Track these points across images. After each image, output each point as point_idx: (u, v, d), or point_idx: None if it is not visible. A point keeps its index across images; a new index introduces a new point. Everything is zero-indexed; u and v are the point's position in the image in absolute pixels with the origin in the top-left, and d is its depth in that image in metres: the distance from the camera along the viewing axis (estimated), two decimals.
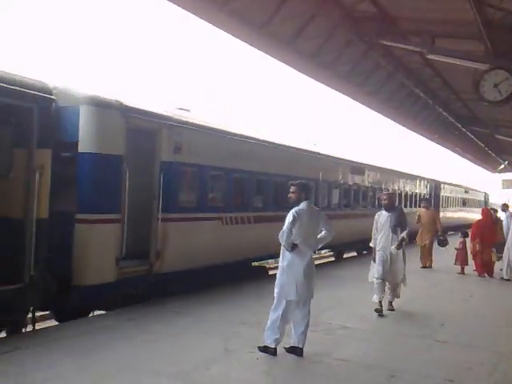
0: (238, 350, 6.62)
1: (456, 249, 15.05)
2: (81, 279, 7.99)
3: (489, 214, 15.36)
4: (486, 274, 14.35)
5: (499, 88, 9.20)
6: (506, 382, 6.35)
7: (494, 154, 29.50)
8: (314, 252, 7.14)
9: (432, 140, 24.73)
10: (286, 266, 6.53)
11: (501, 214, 16.90)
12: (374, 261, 9.30)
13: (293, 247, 6.46)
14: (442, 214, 27.95)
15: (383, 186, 20.50)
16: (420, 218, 15.77)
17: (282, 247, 6.60)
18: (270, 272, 13.28)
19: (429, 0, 8.86)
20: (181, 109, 10.83)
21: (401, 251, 9.27)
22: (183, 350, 6.56)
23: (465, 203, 37.36)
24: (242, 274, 11.84)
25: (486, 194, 47.50)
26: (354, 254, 20.34)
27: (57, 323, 8.52)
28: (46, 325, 8.65)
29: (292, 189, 6.77)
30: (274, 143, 13.35)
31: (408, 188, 24.03)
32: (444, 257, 15.65)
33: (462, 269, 14.72)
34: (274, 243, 6.85)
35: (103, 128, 8.31)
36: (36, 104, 7.00)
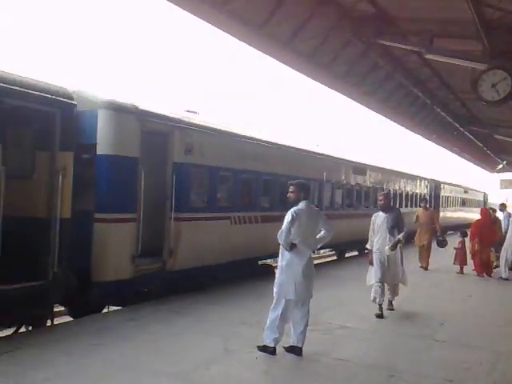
0: (238, 350, 6.63)
1: (455, 248, 15.07)
2: (100, 275, 8.34)
3: (488, 213, 15.39)
4: (484, 274, 14.37)
5: (497, 88, 9.21)
6: (505, 381, 6.36)
7: (492, 154, 29.57)
8: (313, 252, 7.14)
9: (430, 140, 24.77)
10: (284, 266, 6.54)
11: (499, 214, 16.91)
12: (371, 263, 9.14)
13: (292, 247, 6.47)
14: (441, 214, 28.22)
15: (385, 186, 20.69)
16: (418, 218, 15.78)
17: (280, 247, 6.61)
18: (276, 270, 13.41)
19: (427, 0, 8.89)
20: (189, 111, 11.13)
21: (398, 252, 9.15)
22: (183, 350, 6.56)
23: (464, 203, 37.48)
24: (249, 272, 12.02)
25: (485, 193, 47.60)
26: (356, 253, 20.37)
27: (71, 319, 8.78)
28: (62, 320, 8.76)
29: (291, 188, 6.77)
30: (279, 144, 13.68)
31: (409, 188, 24.29)
32: (443, 257, 15.67)
33: (461, 268, 14.75)
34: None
35: (120, 131, 8.68)
36: (59, 109, 7.35)
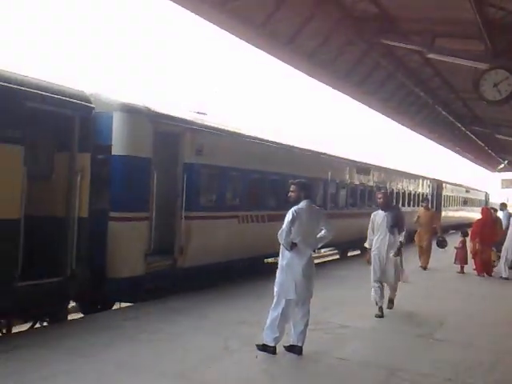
0: (238, 349, 6.63)
1: (456, 248, 15.07)
2: (114, 272, 8.59)
3: (489, 213, 15.39)
4: (485, 274, 14.37)
5: (499, 87, 9.20)
6: (505, 381, 6.36)
7: (493, 154, 29.56)
8: (314, 251, 7.15)
9: (432, 139, 24.80)
10: (285, 265, 6.53)
11: (499, 213, 16.92)
12: (369, 262, 9.06)
13: (292, 246, 6.47)
14: (443, 213, 28.45)
15: (388, 186, 20.91)
16: (419, 218, 15.76)
17: (281, 246, 6.61)
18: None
19: None
20: (198, 112, 11.42)
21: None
22: (183, 349, 6.56)
23: (466, 202, 37.55)
24: (255, 270, 12.15)
25: (486, 193, 47.63)
26: (358, 252, 20.37)
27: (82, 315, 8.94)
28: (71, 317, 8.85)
29: (292, 188, 6.78)
30: (285, 145, 13.96)
31: (412, 187, 24.56)
32: (444, 256, 15.66)
33: (462, 268, 14.75)
34: None
35: (134, 132, 8.96)
36: (78, 112, 7.65)
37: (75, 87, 7.93)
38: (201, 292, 9.94)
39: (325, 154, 16.37)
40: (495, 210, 16.78)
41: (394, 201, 21.21)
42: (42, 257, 7.18)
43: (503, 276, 14.01)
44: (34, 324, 7.88)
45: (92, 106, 7.92)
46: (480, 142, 24.72)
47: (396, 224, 8.94)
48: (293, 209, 6.56)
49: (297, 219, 6.47)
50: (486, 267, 14.44)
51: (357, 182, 18.36)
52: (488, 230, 14.44)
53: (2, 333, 7.53)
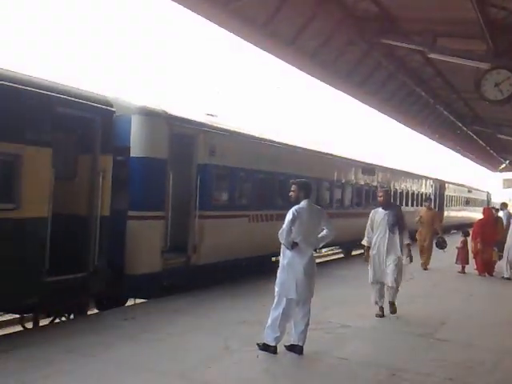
0: (239, 349, 6.64)
1: (457, 248, 15.06)
2: (133, 269, 8.95)
3: (490, 213, 15.38)
4: (486, 274, 14.37)
5: (500, 87, 9.20)
6: (507, 380, 6.36)
7: (495, 154, 29.54)
8: (315, 250, 7.15)
9: (433, 139, 24.76)
10: (286, 265, 6.54)
11: (500, 213, 16.93)
12: (366, 260, 8.89)
13: (293, 246, 6.48)
14: (446, 213, 28.66)
15: (392, 186, 21.17)
16: (421, 217, 15.73)
17: (282, 245, 6.62)
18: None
19: None
20: (209, 114, 11.76)
21: (398, 251, 8.74)
22: (184, 349, 6.57)
23: (468, 202, 37.63)
24: (263, 268, 12.25)
25: (488, 193, 47.62)
26: (362, 251, 20.35)
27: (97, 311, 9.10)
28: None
29: (292, 187, 6.79)
30: (293, 146, 14.31)
31: (415, 188, 24.87)
32: (445, 256, 15.65)
33: (463, 268, 14.74)
34: None
35: (151, 135, 9.36)
36: (100, 115, 8.03)
37: (97, 92, 8.34)
38: (201, 292, 9.96)
39: (331, 154, 16.76)
40: (497, 210, 16.77)
41: (399, 200, 21.44)
42: (66, 253, 7.52)
43: (505, 276, 14.00)
44: (55, 319, 8.12)
45: (113, 109, 8.27)
46: (481, 142, 24.70)
47: (396, 223, 8.76)
48: (293, 208, 6.57)
49: (297, 219, 6.48)
50: (487, 267, 14.43)
51: (362, 182, 18.68)
52: (489, 229, 14.44)
53: (24, 327, 7.91)
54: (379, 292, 8.86)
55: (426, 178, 27.07)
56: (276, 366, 6.20)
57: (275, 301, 6.54)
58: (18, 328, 8.14)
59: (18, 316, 8.38)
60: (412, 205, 23.41)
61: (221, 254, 10.88)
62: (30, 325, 7.97)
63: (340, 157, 17.37)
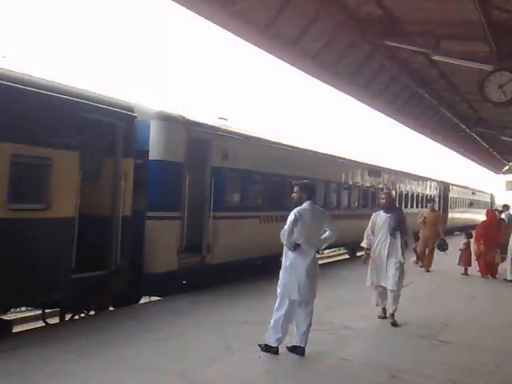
0: (241, 349, 6.65)
1: (460, 249, 15.04)
2: (151, 267, 9.29)
3: (493, 215, 15.34)
4: (489, 275, 14.34)
5: (504, 89, 9.18)
6: (508, 382, 6.37)
7: (498, 156, 29.48)
8: (318, 252, 7.16)
9: (436, 141, 24.73)
10: (288, 266, 6.55)
11: (502, 215, 16.89)
12: (365, 262, 8.76)
13: (295, 247, 6.48)
14: (450, 215, 28.88)
15: (398, 188, 21.60)
16: (424, 218, 15.68)
17: (284, 247, 6.63)
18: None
19: (434, 1, 8.87)
20: (220, 118, 12.06)
21: (399, 255, 8.56)
22: (185, 349, 6.59)
23: (472, 204, 37.70)
24: (273, 268, 12.23)
25: (491, 195, 47.55)
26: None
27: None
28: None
29: (295, 189, 6.81)
30: (302, 149, 14.75)
31: (420, 189, 25.25)
32: (447, 258, 15.61)
33: (466, 270, 14.71)
34: None
35: (169, 139, 9.74)
36: (123, 120, 8.36)
37: (119, 97, 8.68)
38: (201, 292, 9.98)
39: (339, 157, 17.16)
40: (500, 212, 16.73)
41: (404, 202, 21.61)
42: (90, 251, 7.81)
43: (508, 278, 13.96)
44: (74, 315, 8.35)
45: (135, 114, 8.61)
46: (485, 144, 24.64)
47: (398, 226, 8.60)
48: (295, 210, 6.58)
49: (299, 220, 6.49)
50: (490, 269, 14.40)
51: (368, 184, 19.03)
52: (492, 231, 14.41)
53: (45, 322, 8.14)
54: (381, 295, 8.76)
55: (431, 180, 27.39)
56: (277, 366, 6.20)
57: (277, 302, 6.55)
58: (23, 328, 8.19)
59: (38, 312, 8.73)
60: (417, 206, 23.72)
61: (233, 254, 11.27)
62: (54, 320, 8.41)
63: (347, 159, 17.78)
